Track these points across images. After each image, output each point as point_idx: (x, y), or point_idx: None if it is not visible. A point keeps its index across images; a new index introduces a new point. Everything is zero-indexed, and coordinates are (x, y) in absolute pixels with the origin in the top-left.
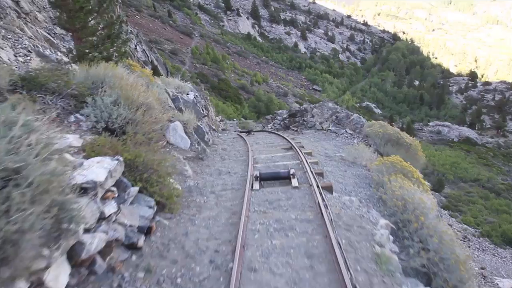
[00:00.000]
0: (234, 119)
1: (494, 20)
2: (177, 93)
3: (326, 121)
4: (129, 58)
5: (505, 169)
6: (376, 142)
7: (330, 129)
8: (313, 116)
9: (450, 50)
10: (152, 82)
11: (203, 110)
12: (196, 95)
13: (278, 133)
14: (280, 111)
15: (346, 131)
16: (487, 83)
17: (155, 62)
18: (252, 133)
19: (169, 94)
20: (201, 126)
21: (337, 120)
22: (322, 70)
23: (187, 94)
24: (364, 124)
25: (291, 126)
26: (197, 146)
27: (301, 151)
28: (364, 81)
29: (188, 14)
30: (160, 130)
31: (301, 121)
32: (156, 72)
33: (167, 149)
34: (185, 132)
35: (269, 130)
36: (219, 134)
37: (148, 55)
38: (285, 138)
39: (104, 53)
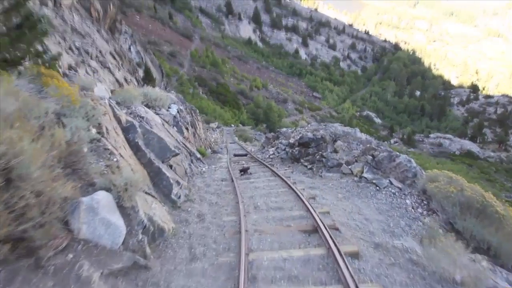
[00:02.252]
0: (232, 125)
1: (495, 33)
2: (145, 112)
3: (357, 161)
4: (58, 61)
5: (508, 185)
6: (446, 208)
7: (365, 177)
8: (335, 152)
9: (451, 61)
10: (76, 104)
11: (187, 129)
12: (180, 109)
13: (287, 179)
14: (284, 129)
15: (390, 182)
16: (488, 96)
17: (149, 64)
18: (249, 172)
19: (119, 122)
20: (168, 174)
21: (374, 162)
22: (322, 77)
23: (168, 108)
24: (418, 173)
25: (302, 160)
26: (141, 235)
27: (339, 250)
28: (365, 90)
29: (189, 16)
30: (63, 214)
31: (318, 157)
32: (148, 75)
33: (71, 256)
34: (121, 207)
35: (271, 163)
36: (204, 169)
37: (143, 56)
38: (300, 199)
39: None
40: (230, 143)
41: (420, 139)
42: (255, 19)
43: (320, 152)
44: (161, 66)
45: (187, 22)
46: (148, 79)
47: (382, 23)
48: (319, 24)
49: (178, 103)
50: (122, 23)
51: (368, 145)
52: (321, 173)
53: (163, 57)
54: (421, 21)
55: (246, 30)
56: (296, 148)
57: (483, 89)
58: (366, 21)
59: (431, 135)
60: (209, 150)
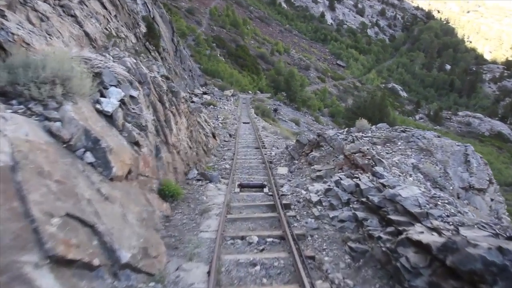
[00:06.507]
0: (249, 92)
1: None
2: None
3: None
4: None
5: None
6: None
7: None
8: None
9: (485, 34)
10: None
11: (138, 145)
12: (132, 97)
13: None
14: (332, 132)
15: None
16: None
17: (158, 19)
18: None
19: None
20: None
21: None
22: (348, 44)
23: (100, 97)
24: None
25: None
26: None
27: None
28: (392, 60)
29: None
30: None
31: None
32: (151, 31)
33: None
34: None
35: (327, 270)
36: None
37: (151, 9)
38: None
39: None
40: (244, 123)
41: (448, 117)
42: None
43: None
44: (171, 22)
45: None
46: (151, 36)
47: None
48: None
49: (126, 84)
50: None
51: None
52: None
53: (179, 13)
54: None
55: None
56: (410, 254)
57: None
58: None
59: (460, 113)
60: (195, 171)
